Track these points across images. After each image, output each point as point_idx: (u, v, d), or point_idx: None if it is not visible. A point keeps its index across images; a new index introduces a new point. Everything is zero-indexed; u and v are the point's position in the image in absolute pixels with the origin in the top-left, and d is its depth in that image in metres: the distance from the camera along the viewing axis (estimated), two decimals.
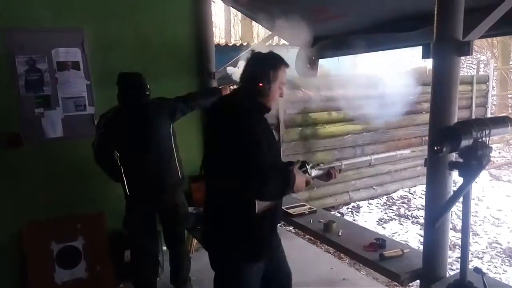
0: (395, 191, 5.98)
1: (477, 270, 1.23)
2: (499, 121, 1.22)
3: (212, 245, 1.83)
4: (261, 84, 1.68)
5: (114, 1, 3.18)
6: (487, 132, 1.09)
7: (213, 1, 4.88)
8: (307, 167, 1.74)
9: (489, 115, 7.05)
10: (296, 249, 2.12)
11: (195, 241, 3.66)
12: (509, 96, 13.07)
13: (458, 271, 1.41)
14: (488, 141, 1.10)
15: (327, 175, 1.89)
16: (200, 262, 3.45)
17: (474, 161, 1.07)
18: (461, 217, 4.17)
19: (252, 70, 1.74)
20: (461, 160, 1.11)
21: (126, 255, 3.25)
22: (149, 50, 3.33)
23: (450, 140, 1.07)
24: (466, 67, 14.36)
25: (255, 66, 1.74)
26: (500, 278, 3.67)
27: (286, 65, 1.76)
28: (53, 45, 2.99)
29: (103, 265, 3.14)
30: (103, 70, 3.13)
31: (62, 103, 3.05)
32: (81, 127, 3.11)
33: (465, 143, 1.08)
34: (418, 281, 1.86)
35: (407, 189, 6.00)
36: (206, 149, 1.79)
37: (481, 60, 14.18)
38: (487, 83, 6.98)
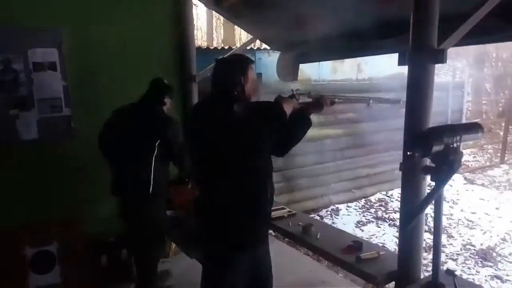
0: (373, 194, 6.08)
1: (448, 272, 1.27)
2: (470, 127, 1.26)
3: (202, 237, 1.91)
4: (236, 92, 1.72)
5: (93, 2, 3.12)
6: (458, 138, 1.14)
7: (195, 4, 4.87)
8: (293, 92, 1.91)
9: (464, 121, 7.26)
10: (276, 252, 2.14)
11: (173, 245, 3.62)
12: (483, 102, 13.50)
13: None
14: (459, 146, 1.14)
15: (317, 105, 1.95)
16: (179, 266, 3.43)
17: (445, 165, 1.11)
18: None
19: (224, 79, 1.77)
20: (433, 164, 1.15)
21: (103, 259, 3.20)
22: (129, 52, 3.29)
23: (422, 145, 1.11)
24: (443, 73, 14.76)
25: (225, 75, 1.78)
26: (473, 279, 3.78)
27: (251, 62, 1.83)
28: (30, 45, 2.92)
29: (78, 270, 3.08)
30: (81, 71, 3.08)
31: (38, 105, 2.98)
32: (57, 129, 3.04)
33: (436, 148, 1.12)
34: (393, 282, 1.90)
35: (384, 192, 6.12)
36: (199, 155, 1.84)
37: (457, 67, 14.62)
38: (462, 89, 7.19)
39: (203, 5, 3.71)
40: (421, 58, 1.47)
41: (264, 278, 2.08)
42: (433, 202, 1.19)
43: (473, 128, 1.27)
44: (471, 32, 1.64)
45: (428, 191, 1.38)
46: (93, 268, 3.15)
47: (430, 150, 1.12)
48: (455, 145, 1.13)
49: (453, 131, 1.16)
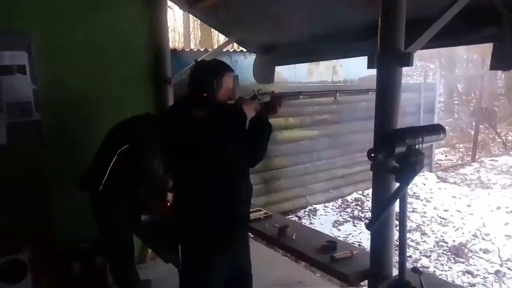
0: (349, 194, 6.17)
1: (414, 269, 1.31)
2: (431, 129, 1.31)
3: (180, 241, 1.93)
4: (205, 94, 1.73)
5: (63, 4, 3.05)
6: (420, 139, 1.17)
7: (169, 6, 4.84)
8: (255, 93, 1.93)
9: (436, 121, 7.47)
10: (254, 254, 2.16)
11: (150, 250, 3.58)
12: (455, 102, 13.93)
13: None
14: (422, 148, 1.18)
15: (270, 108, 1.96)
16: (156, 271, 3.39)
17: (408, 167, 1.15)
18: (410, 218, 4.36)
19: (197, 81, 1.79)
20: (397, 165, 1.19)
21: (75, 267, 3.13)
22: (101, 55, 3.23)
23: (385, 147, 1.14)
24: (416, 75, 15.15)
25: (199, 77, 1.79)
26: (445, 275, 3.89)
27: (230, 70, 1.83)
28: None
29: (51, 279, 2.99)
30: (51, 75, 3.01)
31: (6, 109, 2.89)
32: (26, 133, 2.95)
33: (399, 150, 1.16)
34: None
35: (360, 192, 6.22)
36: (169, 158, 1.86)
37: (430, 68, 15.04)
38: (434, 90, 7.39)
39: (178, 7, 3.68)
40: (389, 61, 1.51)
41: (244, 279, 2.10)
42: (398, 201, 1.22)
43: (435, 129, 1.31)
44: (438, 35, 1.70)
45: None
46: (67, 276, 3.07)
47: (393, 152, 1.15)
48: (417, 146, 1.17)
49: (415, 133, 1.20)
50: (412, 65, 1.53)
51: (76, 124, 3.14)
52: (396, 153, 1.15)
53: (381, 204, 1.46)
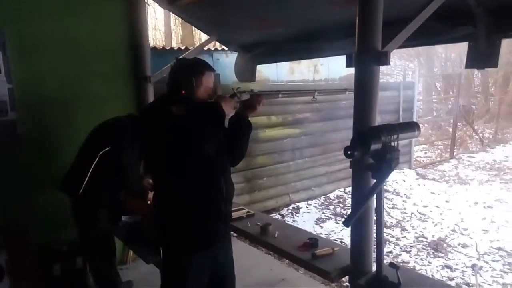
0: (331, 192, 6.24)
1: (392, 265, 1.33)
2: (407, 127, 1.33)
3: (161, 241, 1.93)
4: (183, 92, 1.72)
5: (39, 1, 2.98)
6: (395, 136, 1.20)
7: (148, 3, 4.78)
8: (234, 91, 1.92)
9: (415, 119, 7.61)
10: (237, 252, 2.16)
11: (131, 251, 3.54)
12: (434, 100, 14.23)
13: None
14: (397, 145, 1.20)
15: (250, 106, 1.96)
16: (138, 272, 3.36)
17: (383, 163, 1.17)
18: (390, 214, 4.42)
19: (176, 78, 1.78)
20: (373, 162, 1.21)
21: (55, 269, 3.07)
22: (80, 53, 3.17)
23: (361, 144, 1.16)
24: (396, 73, 15.41)
25: (178, 74, 1.79)
26: (425, 270, 3.97)
27: (210, 70, 1.83)
28: None
29: (30, 281, 2.93)
30: (27, 73, 2.94)
31: None
32: (2, 133, 2.87)
33: (374, 147, 1.18)
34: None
35: (342, 189, 6.29)
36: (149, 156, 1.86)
37: (410, 67, 15.32)
38: (413, 89, 7.53)
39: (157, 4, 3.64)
40: (366, 60, 1.53)
41: (227, 277, 2.10)
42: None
43: (410, 127, 1.34)
44: (414, 34, 1.73)
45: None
46: (46, 279, 3.01)
47: (368, 149, 1.17)
48: (392, 143, 1.19)
49: (390, 130, 1.22)
50: (389, 64, 1.56)
51: (54, 123, 3.07)
52: (372, 150, 1.17)
53: (358, 200, 1.48)
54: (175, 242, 1.87)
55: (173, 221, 1.85)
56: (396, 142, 1.19)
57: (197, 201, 1.81)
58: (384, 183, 1.22)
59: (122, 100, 3.37)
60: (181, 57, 1.95)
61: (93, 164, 2.48)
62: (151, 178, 2.11)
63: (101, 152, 2.50)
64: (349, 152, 1.15)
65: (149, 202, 2.67)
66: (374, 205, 1.51)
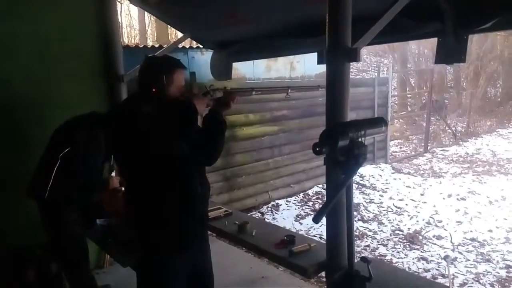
0: (310, 188, 6.29)
1: (363, 259, 1.35)
2: (374, 122, 1.35)
3: (136, 243, 1.90)
4: (154, 90, 1.69)
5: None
6: (362, 132, 1.21)
7: (119, 1, 4.68)
8: (208, 89, 1.92)
9: (389, 114, 7.76)
10: (217, 252, 2.15)
11: (108, 255, 3.47)
12: (408, 96, 14.53)
13: (355, 260, 1.53)
14: (364, 140, 1.21)
15: (223, 103, 1.94)
16: (115, 276, 3.30)
17: (351, 159, 1.18)
18: (367, 208, 4.47)
19: (146, 76, 1.75)
20: (342, 158, 1.22)
21: (30, 275, 2.98)
22: (48, 51, 3.07)
23: (329, 141, 1.17)
24: (372, 70, 15.67)
25: (148, 72, 1.76)
26: (402, 262, 4.05)
27: (182, 67, 1.81)
28: None
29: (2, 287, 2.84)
30: None
31: None
32: None
33: (342, 143, 1.19)
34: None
35: (321, 185, 6.35)
36: (120, 157, 1.82)
37: (384, 63, 15.60)
38: (387, 85, 7.67)
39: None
40: (336, 57, 1.54)
41: (206, 278, 2.09)
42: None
43: (377, 122, 1.36)
44: (384, 31, 1.75)
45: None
46: (20, 284, 2.91)
47: (336, 145, 1.18)
48: (360, 139, 1.20)
49: (357, 126, 1.24)
50: (360, 61, 1.57)
51: (23, 125, 2.97)
52: (339, 146, 1.18)
53: (327, 196, 1.49)
54: (150, 244, 1.84)
55: (147, 222, 1.82)
56: (363, 138, 1.21)
57: (172, 201, 1.78)
58: (354, 179, 1.24)
59: (94, 100, 3.28)
60: (150, 55, 1.91)
61: (55, 167, 2.40)
62: (123, 179, 2.06)
63: (60, 154, 2.41)
64: (317, 149, 1.16)
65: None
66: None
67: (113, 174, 2.74)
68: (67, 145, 2.43)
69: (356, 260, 1.49)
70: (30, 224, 2.74)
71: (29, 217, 2.68)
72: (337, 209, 1.61)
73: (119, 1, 4.43)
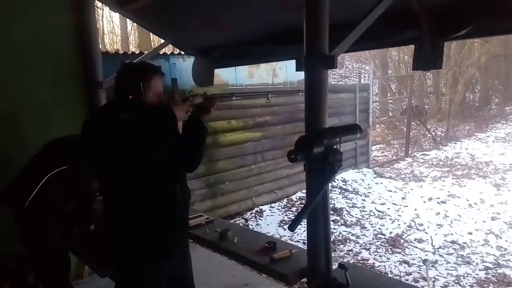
0: (294, 193, 6.31)
1: (341, 266, 1.35)
2: (348, 129, 1.36)
3: (114, 253, 1.84)
4: (131, 96, 1.67)
5: None
6: (337, 139, 1.21)
7: (97, 7, 4.62)
8: (187, 94, 1.91)
9: (371, 120, 7.86)
10: (199, 259, 2.13)
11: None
12: (389, 101, 14.76)
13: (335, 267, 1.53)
14: (339, 147, 1.22)
15: (204, 110, 1.92)
16: (94, 287, 3.22)
17: (327, 166, 1.18)
18: (350, 213, 4.50)
19: (122, 83, 1.72)
20: (317, 165, 1.22)
21: (5, 287, 2.89)
22: (23, 57, 2.99)
23: (304, 148, 1.17)
24: (353, 76, 15.87)
25: (125, 79, 1.73)
26: (384, 266, 4.08)
27: (159, 73, 1.78)
28: None
29: None
30: None
31: None
32: None
33: (317, 150, 1.19)
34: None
35: (304, 191, 6.33)
36: (97, 166, 1.78)
37: (366, 70, 15.82)
38: (368, 90, 7.77)
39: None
40: (314, 64, 1.55)
41: (186, 286, 2.04)
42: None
43: (351, 129, 1.37)
44: (362, 38, 1.77)
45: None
46: None
47: (311, 152, 1.18)
48: (335, 146, 1.21)
49: (332, 133, 1.24)
50: (337, 67, 1.58)
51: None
52: (314, 153, 1.18)
53: (305, 203, 1.49)
54: (129, 253, 1.79)
55: (125, 231, 1.78)
56: (338, 145, 1.21)
57: (151, 209, 1.75)
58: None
59: (71, 106, 3.21)
60: (127, 61, 1.88)
61: (40, 183, 2.34)
62: (101, 187, 2.02)
63: (49, 175, 2.36)
64: (292, 156, 1.15)
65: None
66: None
67: None
68: (58, 166, 2.38)
69: (335, 267, 1.49)
70: (4, 233, 2.66)
71: (3, 226, 2.60)
72: (316, 216, 1.61)
73: (98, 7, 4.38)
